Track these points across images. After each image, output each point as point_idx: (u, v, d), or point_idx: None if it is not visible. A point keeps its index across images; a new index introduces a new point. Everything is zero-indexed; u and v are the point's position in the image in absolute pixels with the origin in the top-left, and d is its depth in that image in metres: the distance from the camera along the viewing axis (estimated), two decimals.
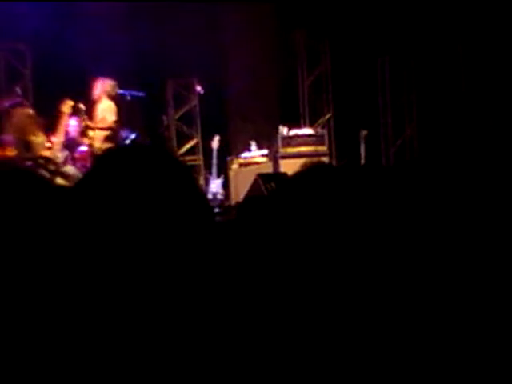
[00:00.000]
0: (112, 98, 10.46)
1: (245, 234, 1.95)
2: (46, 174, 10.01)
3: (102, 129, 10.38)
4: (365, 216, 1.62)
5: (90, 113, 10.41)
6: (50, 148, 10.25)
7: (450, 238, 1.67)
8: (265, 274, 1.58)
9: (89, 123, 10.36)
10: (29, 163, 10.37)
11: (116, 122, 10.27)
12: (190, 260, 1.36)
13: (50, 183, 1.53)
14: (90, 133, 10.45)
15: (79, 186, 1.41)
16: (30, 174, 1.53)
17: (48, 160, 10.16)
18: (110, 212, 1.35)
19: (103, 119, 10.36)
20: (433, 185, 1.79)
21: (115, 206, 1.35)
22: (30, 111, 10.44)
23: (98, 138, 10.31)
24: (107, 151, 1.51)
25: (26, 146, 10.17)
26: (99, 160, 1.46)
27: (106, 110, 10.35)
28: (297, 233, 1.53)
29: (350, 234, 1.53)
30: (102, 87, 10.42)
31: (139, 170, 1.41)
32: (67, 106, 10.28)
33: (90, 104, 10.44)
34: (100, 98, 10.41)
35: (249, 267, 1.61)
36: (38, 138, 10.25)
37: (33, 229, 1.37)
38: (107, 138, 10.28)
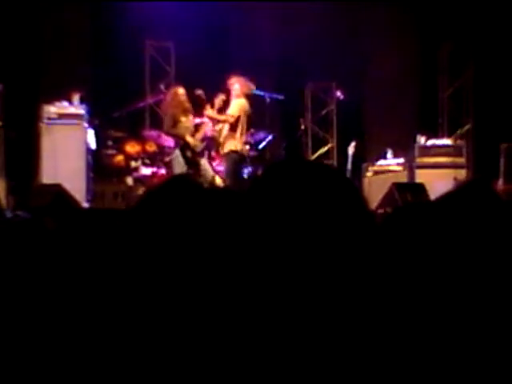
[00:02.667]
0: (246, 96, 10.33)
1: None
2: (181, 160, 10.21)
3: (219, 121, 10.36)
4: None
5: (224, 108, 10.42)
6: (193, 135, 10.41)
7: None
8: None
9: (209, 113, 10.38)
10: (170, 139, 10.64)
11: (234, 117, 10.09)
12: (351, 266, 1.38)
13: (210, 190, 1.54)
14: (216, 126, 10.52)
15: (249, 193, 1.44)
16: (191, 182, 1.56)
17: (188, 146, 10.33)
18: (280, 218, 1.38)
19: (226, 113, 10.28)
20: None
21: (284, 215, 1.38)
22: (184, 92, 10.54)
23: (222, 131, 10.33)
24: (271, 166, 1.53)
25: (174, 124, 10.39)
26: (270, 170, 1.49)
27: (233, 106, 10.24)
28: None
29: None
30: (239, 85, 10.30)
31: (307, 183, 1.43)
32: (219, 99, 10.40)
33: (226, 101, 10.40)
34: (235, 95, 10.32)
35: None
36: (187, 122, 10.44)
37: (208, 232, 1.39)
38: (230, 132, 10.22)
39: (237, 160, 10.13)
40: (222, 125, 10.34)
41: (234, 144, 10.11)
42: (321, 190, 1.43)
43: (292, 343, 1.35)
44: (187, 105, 10.44)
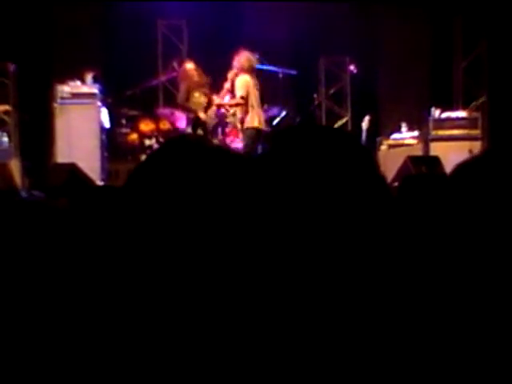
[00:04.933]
0: (250, 71, 10.08)
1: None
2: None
3: (231, 105, 10.30)
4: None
5: (232, 87, 10.30)
6: (205, 112, 10.40)
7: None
8: None
9: (219, 102, 10.34)
10: (183, 113, 10.66)
11: (243, 97, 9.90)
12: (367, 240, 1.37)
13: (223, 151, 1.47)
14: (231, 110, 10.48)
15: (260, 159, 1.42)
16: (202, 143, 1.51)
17: (199, 123, 10.33)
18: (293, 183, 1.37)
19: (234, 95, 10.14)
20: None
21: (298, 180, 1.37)
22: (193, 67, 10.55)
23: (237, 111, 10.24)
24: (285, 129, 1.52)
25: (187, 97, 10.41)
26: (279, 137, 1.47)
27: (237, 85, 10.04)
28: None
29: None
30: (238, 61, 10.09)
31: (319, 148, 1.42)
32: (232, 74, 10.31)
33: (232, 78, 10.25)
34: (237, 72, 10.12)
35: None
36: (200, 98, 10.44)
37: (214, 196, 1.35)
38: (245, 110, 10.07)
39: (253, 137, 10.04)
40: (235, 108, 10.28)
41: (251, 120, 10.03)
42: (333, 152, 1.42)
43: (294, 334, 1.34)
44: (199, 79, 10.43)
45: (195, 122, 10.33)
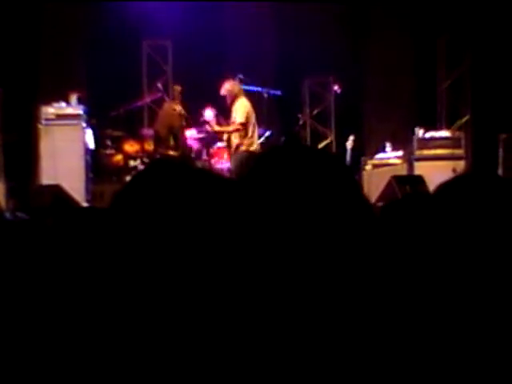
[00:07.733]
0: (243, 94, 10.10)
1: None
2: None
3: (228, 132, 10.17)
4: None
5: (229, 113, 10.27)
6: (176, 149, 10.51)
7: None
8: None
9: (218, 129, 10.35)
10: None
11: (243, 124, 9.81)
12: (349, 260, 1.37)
13: (208, 174, 1.47)
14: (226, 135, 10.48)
15: (243, 181, 1.43)
16: (187, 165, 1.52)
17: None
18: (276, 204, 1.37)
19: (233, 121, 10.02)
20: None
21: (279, 201, 1.37)
22: (177, 108, 10.54)
23: (234, 136, 10.17)
24: (268, 150, 1.52)
25: (158, 141, 10.48)
26: (262, 157, 1.48)
27: (237, 111, 9.98)
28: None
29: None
30: (232, 85, 10.06)
31: (302, 169, 1.42)
32: (212, 116, 10.41)
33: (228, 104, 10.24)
34: (232, 99, 10.06)
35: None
36: (172, 141, 10.53)
37: (199, 220, 1.35)
38: (243, 134, 10.01)
39: (244, 160, 9.81)
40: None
41: (249, 144, 9.91)
42: (316, 173, 1.42)
43: (291, 339, 1.35)
44: (177, 122, 10.49)
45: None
